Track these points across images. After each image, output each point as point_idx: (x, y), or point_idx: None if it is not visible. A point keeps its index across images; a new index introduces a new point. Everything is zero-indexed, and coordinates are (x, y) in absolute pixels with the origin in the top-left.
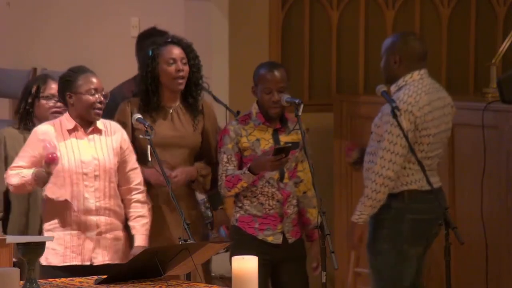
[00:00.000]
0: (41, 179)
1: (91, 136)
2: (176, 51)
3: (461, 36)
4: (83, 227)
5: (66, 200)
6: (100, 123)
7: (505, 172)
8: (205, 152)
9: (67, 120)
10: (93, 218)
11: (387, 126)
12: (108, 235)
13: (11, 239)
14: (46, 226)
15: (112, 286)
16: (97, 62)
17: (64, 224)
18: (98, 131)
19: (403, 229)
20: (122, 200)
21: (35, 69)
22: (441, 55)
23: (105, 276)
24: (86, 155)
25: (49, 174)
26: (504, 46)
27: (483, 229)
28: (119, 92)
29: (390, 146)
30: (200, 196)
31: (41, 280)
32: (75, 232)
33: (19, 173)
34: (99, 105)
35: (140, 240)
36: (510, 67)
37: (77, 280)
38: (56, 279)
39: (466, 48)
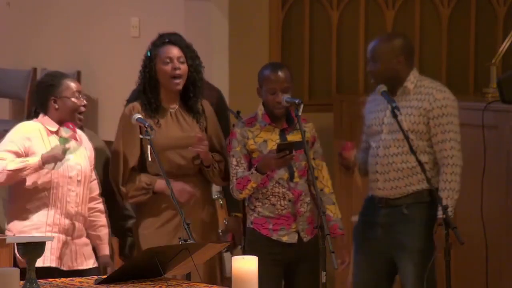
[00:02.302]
0: (58, 156)
1: (74, 143)
2: (173, 51)
3: (461, 36)
4: (62, 230)
5: (49, 202)
6: (78, 130)
7: (505, 172)
8: (210, 146)
9: (48, 123)
10: (71, 223)
11: (446, 118)
12: (79, 241)
13: (11, 239)
14: (19, 227)
15: (112, 286)
16: (97, 62)
17: (44, 226)
18: (74, 137)
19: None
20: None
21: (35, 69)
22: (441, 55)
23: (105, 276)
24: (70, 159)
25: (65, 152)
26: (504, 46)
27: (483, 229)
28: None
29: (456, 136)
30: (216, 188)
31: (41, 280)
32: (55, 234)
33: (14, 159)
34: (83, 109)
35: (106, 249)
36: (510, 67)
37: (77, 280)
38: (56, 279)
39: (466, 48)
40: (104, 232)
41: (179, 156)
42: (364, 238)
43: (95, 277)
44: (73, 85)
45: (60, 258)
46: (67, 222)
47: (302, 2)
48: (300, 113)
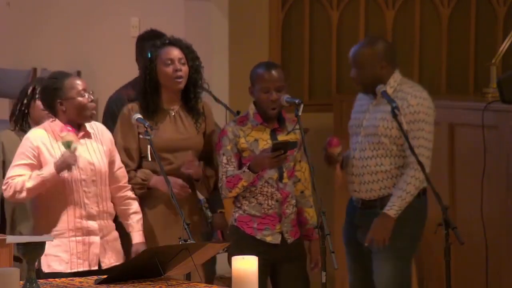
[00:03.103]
0: (70, 160)
1: (82, 141)
2: (174, 52)
3: (461, 36)
4: (86, 233)
5: (66, 208)
6: (88, 126)
7: (505, 172)
8: (207, 153)
9: (58, 127)
10: (95, 223)
11: (417, 124)
12: (109, 237)
13: (11, 239)
14: (46, 233)
15: (112, 286)
16: (97, 62)
17: (66, 231)
18: (88, 135)
19: (422, 230)
20: (112, 199)
21: (35, 69)
22: (441, 55)
23: (105, 276)
24: (82, 161)
25: (74, 153)
26: (504, 46)
27: (483, 229)
28: (118, 98)
29: (426, 143)
30: (200, 196)
31: (41, 280)
32: (79, 238)
33: (30, 174)
34: (92, 105)
35: (139, 237)
36: (510, 67)
37: (77, 280)
38: (56, 279)
39: (466, 48)
40: (136, 219)
41: (174, 157)
42: (348, 239)
43: (95, 277)
44: (77, 83)
45: (89, 260)
46: (90, 223)
47: (302, 2)
48: (300, 113)
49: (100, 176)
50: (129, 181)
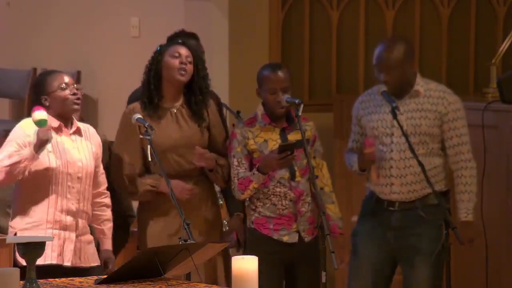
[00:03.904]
0: (45, 136)
1: (73, 137)
2: (183, 50)
3: (461, 36)
4: (63, 227)
5: (48, 199)
6: (80, 125)
7: (505, 172)
8: (214, 146)
9: (50, 119)
10: (73, 220)
11: (460, 121)
12: (83, 238)
13: (11, 239)
14: (22, 224)
15: (112, 286)
16: (97, 62)
17: (44, 223)
18: (79, 132)
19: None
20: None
21: (35, 69)
22: (441, 55)
23: (105, 276)
24: (71, 155)
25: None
26: (504, 46)
27: (483, 229)
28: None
29: (467, 138)
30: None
31: (41, 280)
32: (56, 231)
33: (7, 155)
34: (73, 97)
35: (108, 244)
36: (510, 67)
37: (77, 280)
38: (56, 279)
39: (466, 48)
40: (108, 226)
41: (178, 156)
42: (368, 240)
43: (95, 277)
44: (58, 77)
45: (62, 255)
46: (68, 219)
47: (302, 2)
48: (300, 113)
49: (86, 174)
50: (138, 191)
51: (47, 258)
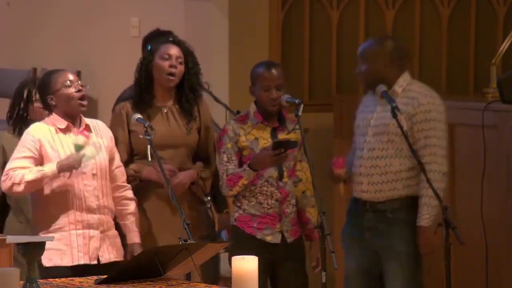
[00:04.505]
0: (75, 164)
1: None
2: (174, 50)
3: (461, 36)
4: (86, 226)
5: (66, 201)
6: (89, 121)
7: (505, 172)
8: (202, 149)
9: (57, 120)
10: (95, 217)
11: (429, 123)
12: (110, 233)
13: (11, 239)
14: (46, 229)
15: (112, 286)
16: (97, 62)
17: (67, 225)
18: (88, 129)
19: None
20: None
21: (35, 69)
22: (441, 55)
23: (105, 276)
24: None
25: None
26: (504, 46)
27: (483, 229)
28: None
29: (439, 141)
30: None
31: (41, 280)
32: (80, 231)
33: (31, 169)
34: (78, 94)
35: (135, 237)
36: (510, 67)
37: (77, 280)
38: (56, 279)
39: (466, 48)
40: (131, 220)
41: (165, 154)
42: (351, 241)
43: (95, 277)
44: (63, 75)
45: (90, 253)
46: (90, 217)
47: (302, 2)
48: (300, 113)
49: (100, 170)
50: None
51: (75, 259)
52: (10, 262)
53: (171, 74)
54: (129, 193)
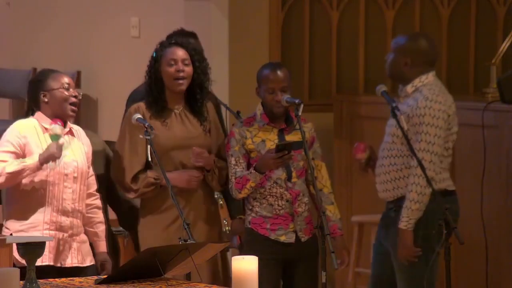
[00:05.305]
0: (56, 153)
1: (67, 137)
2: (179, 52)
3: (461, 36)
4: (58, 228)
5: (45, 200)
6: (72, 125)
7: (505, 172)
8: (221, 147)
9: (43, 119)
10: (68, 220)
11: (421, 127)
12: (78, 238)
13: (11, 239)
14: (17, 226)
15: (112, 286)
16: (97, 62)
17: (41, 224)
18: (71, 133)
19: (437, 230)
20: None
21: (35, 69)
22: (441, 55)
23: (105, 276)
24: (66, 156)
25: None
26: (504, 46)
27: (483, 229)
28: (137, 97)
29: (429, 146)
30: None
31: (41, 280)
32: (52, 232)
33: (12, 161)
34: (74, 99)
35: (103, 246)
36: (510, 67)
37: (77, 280)
38: (56, 279)
39: (466, 48)
40: (101, 228)
41: (183, 156)
42: (376, 238)
43: (95, 277)
44: (61, 77)
45: (57, 256)
46: (64, 219)
47: (302, 2)
48: (300, 113)
49: (81, 174)
50: (142, 182)
51: (44, 259)
52: (10, 262)
53: (179, 78)
54: (99, 202)
